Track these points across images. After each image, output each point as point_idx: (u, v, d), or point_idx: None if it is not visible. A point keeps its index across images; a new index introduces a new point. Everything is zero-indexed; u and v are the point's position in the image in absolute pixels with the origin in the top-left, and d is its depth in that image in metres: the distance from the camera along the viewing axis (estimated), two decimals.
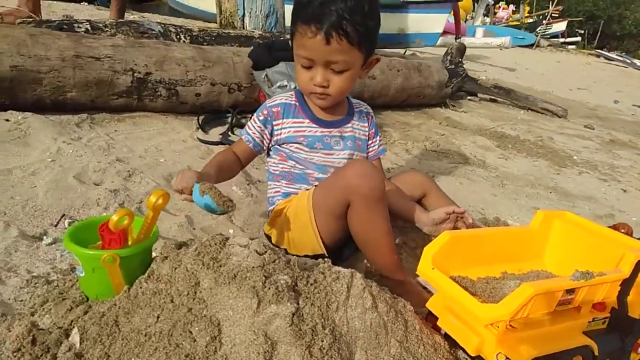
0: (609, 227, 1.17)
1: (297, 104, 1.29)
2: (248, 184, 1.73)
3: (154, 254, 0.97)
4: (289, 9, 3.94)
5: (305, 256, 1.18)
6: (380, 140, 1.42)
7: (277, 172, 1.32)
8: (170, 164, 1.80)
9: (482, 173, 2.36)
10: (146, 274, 0.84)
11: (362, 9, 1.08)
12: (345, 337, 0.80)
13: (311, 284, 0.83)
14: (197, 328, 0.74)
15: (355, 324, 0.82)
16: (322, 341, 0.75)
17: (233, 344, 0.73)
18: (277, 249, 0.88)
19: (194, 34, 2.77)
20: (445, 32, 8.86)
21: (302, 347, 0.72)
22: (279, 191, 1.32)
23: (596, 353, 0.95)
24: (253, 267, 0.80)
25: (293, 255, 1.22)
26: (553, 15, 18.59)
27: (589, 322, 0.98)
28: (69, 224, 1.30)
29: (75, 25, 2.43)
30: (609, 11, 31.30)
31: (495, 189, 2.16)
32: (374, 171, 1.14)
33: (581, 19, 25.34)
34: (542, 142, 3.26)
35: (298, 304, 0.78)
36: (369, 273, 1.27)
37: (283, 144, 1.28)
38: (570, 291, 0.89)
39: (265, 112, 1.27)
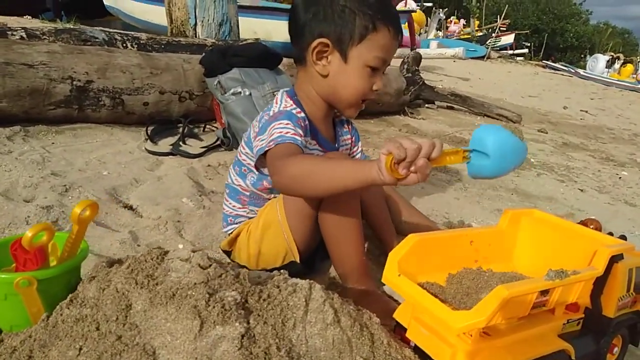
0: (578, 223, 1.13)
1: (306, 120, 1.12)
2: (200, 195, 1.61)
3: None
4: (242, 19, 3.88)
5: (274, 269, 1.07)
6: (360, 147, 1.32)
7: (247, 194, 1.18)
8: (115, 176, 1.66)
9: (443, 177, 2.33)
10: (68, 299, 0.72)
11: None
12: (304, 358, 0.70)
13: (264, 300, 0.73)
14: (127, 359, 0.63)
15: (315, 342, 0.72)
16: None
17: None
18: (224, 262, 0.77)
19: (141, 42, 2.64)
20: (401, 45, 9.04)
21: None
22: (242, 214, 1.21)
23: (573, 357, 0.89)
24: (195, 283, 0.69)
25: (260, 270, 1.11)
26: (501, 28, 19.39)
27: (563, 324, 0.93)
28: None
29: (9, 32, 2.25)
30: (552, 24, 33.12)
31: (457, 193, 2.13)
32: None
33: (527, 32, 26.60)
34: None
35: (248, 323, 0.68)
36: (332, 285, 1.18)
37: None
38: (545, 292, 0.83)
39: (302, 123, 1.05)
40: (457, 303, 0.91)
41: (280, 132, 1.00)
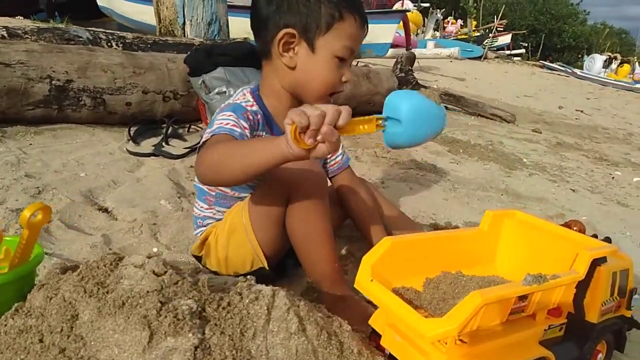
0: (561, 225, 1.10)
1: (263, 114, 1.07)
2: (179, 197, 1.57)
3: None
4: (236, 19, 3.83)
5: (245, 274, 1.03)
6: (342, 149, 1.27)
7: (213, 194, 1.13)
8: (92, 178, 1.61)
9: (433, 178, 2.29)
10: (13, 308, 0.68)
11: None
12: None
13: (223, 308, 0.69)
14: None
15: (277, 352, 0.68)
16: None
17: None
18: (182, 268, 0.73)
19: (127, 41, 2.60)
20: (396, 45, 8.98)
21: None
22: (209, 216, 1.16)
23: None
24: (147, 291, 0.65)
25: (230, 275, 1.07)
26: (498, 28, 19.37)
27: (544, 330, 0.89)
28: None
29: None
30: (549, 25, 33.09)
31: (446, 193, 2.09)
32: (318, 166, 1.04)
33: (524, 32, 26.54)
34: (493, 147, 3.26)
35: (203, 334, 0.64)
36: (309, 290, 1.14)
37: None
38: (523, 297, 0.79)
39: (250, 116, 1.02)
40: (433, 309, 0.87)
41: (220, 123, 0.97)
